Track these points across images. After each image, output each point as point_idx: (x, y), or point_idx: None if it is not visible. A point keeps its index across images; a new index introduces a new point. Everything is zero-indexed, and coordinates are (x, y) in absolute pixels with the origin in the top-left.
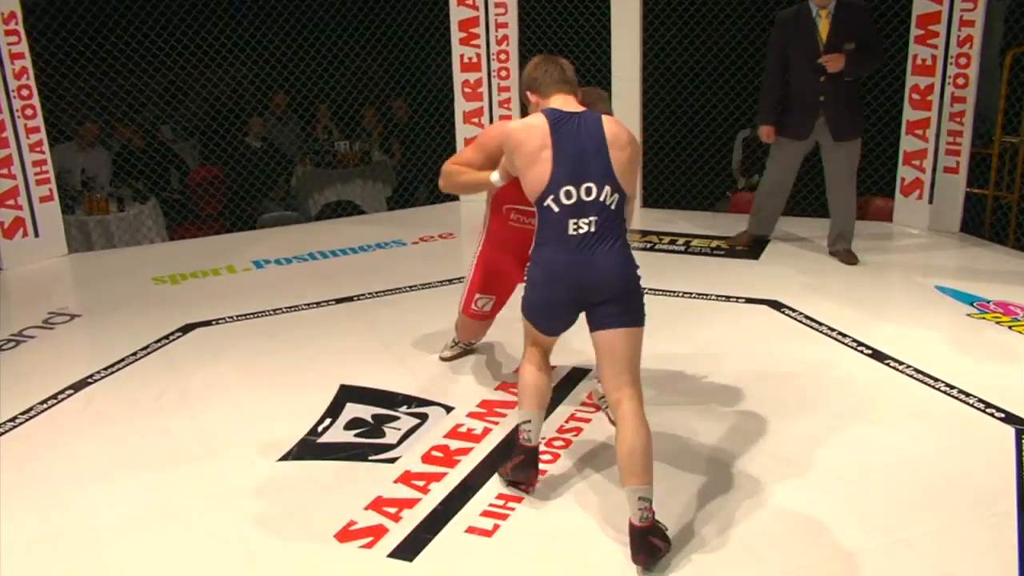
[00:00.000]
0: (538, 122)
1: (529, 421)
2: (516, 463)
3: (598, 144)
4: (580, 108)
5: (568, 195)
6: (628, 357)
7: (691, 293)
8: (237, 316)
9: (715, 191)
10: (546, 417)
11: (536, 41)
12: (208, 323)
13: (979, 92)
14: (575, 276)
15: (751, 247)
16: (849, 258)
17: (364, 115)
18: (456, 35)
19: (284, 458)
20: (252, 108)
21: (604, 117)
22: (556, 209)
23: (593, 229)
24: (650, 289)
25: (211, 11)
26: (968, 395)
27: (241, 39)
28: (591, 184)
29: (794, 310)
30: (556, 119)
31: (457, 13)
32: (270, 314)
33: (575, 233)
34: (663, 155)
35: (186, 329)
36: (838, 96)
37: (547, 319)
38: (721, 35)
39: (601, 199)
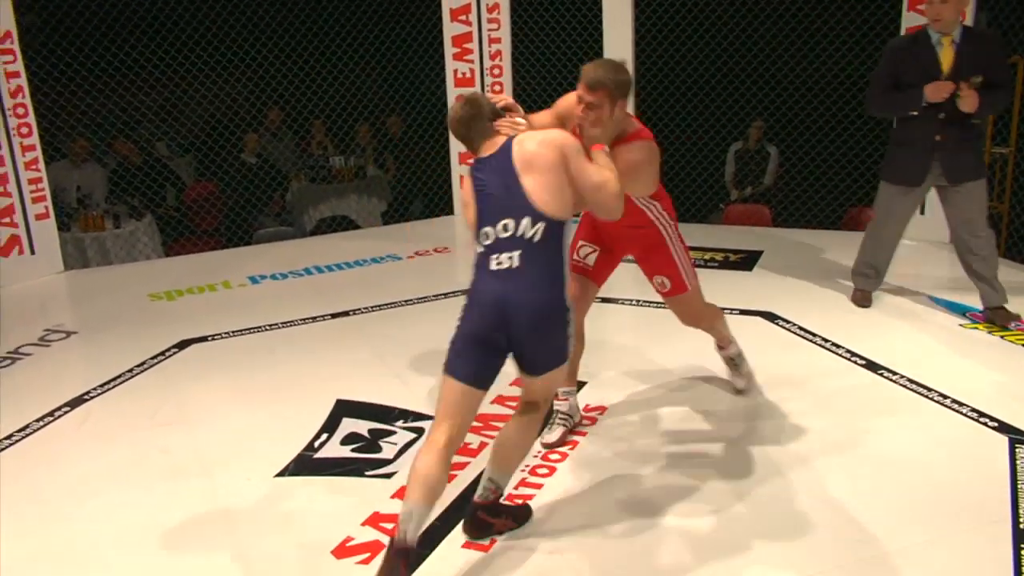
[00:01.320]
0: (465, 182)
1: (410, 513)
2: (384, 561)
3: (508, 180)
4: (495, 147)
5: (486, 236)
6: (544, 394)
7: None
8: (233, 332)
9: (708, 203)
10: (543, 429)
11: (529, 56)
12: (204, 339)
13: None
14: (496, 305)
15: (864, 304)
16: (1006, 319)
17: (358, 131)
18: (449, 50)
19: (281, 474)
20: (247, 124)
21: (515, 143)
22: (480, 249)
23: (517, 264)
24: (644, 302)
25: (207, 28)
26: (962, 404)
27: (236, 56)
28: (508, 220)
29: (788, 321)
30: (472, 171)
31: (451, 28)
32: (266, 330)
33: (497, 268)
34: None
35: (182, 345)
36: (958, 137)
37: (466, 355)
38: (713, 48)
39: (519, 234)
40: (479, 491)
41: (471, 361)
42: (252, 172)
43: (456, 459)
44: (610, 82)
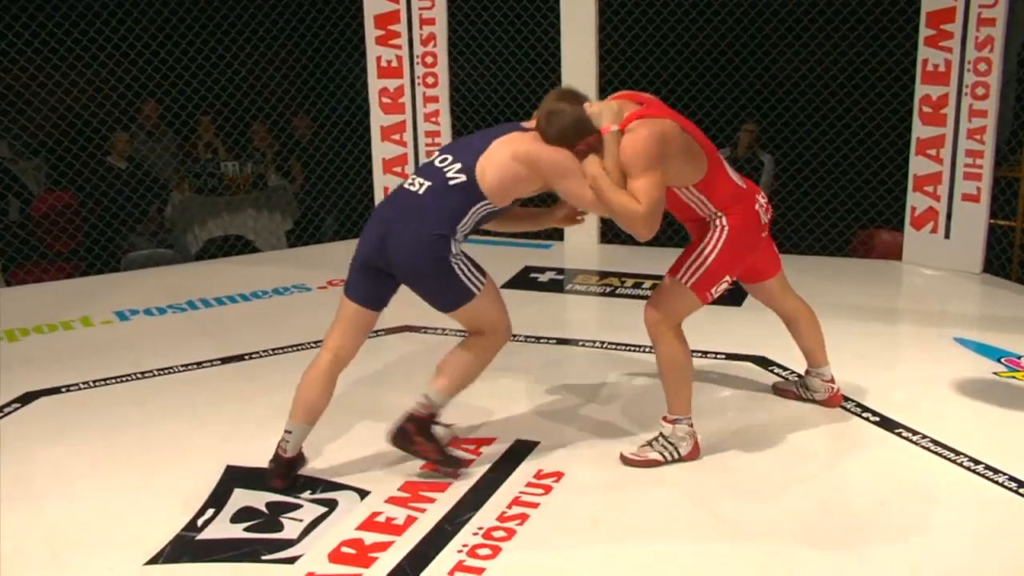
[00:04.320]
0: None
1: (291, 432)
2: (268, 471)
3: (485, 139)
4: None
5: (428, 160)
6: (471, 325)
7: None
8: (94, 381)
9: (682, 226)
10: (484, 501)
11: (470, 41)
12: (56, 391)
13: (1001, 105)
14: (379, 233)
15: None
16: None
17: (257, 130)
18: (372, 33)
19: (153, 561)
20: (115, 120)
21: (520, 133)
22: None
23: (421, 192)
24: (611, 344)
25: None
26: (996, 472)
27: (101, 33)
28: (448, 156)
29: (784, 367)
30: None
31: (372, 6)
32: (137, 378)
33: (407, 187)
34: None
35: (27, 399)
36: None
37: (357, 275)
38: (693, 35)
39: (443, 169)
40: (415, 404)
41: (361, 282)
42: (121, 180)
43: (376, 538)
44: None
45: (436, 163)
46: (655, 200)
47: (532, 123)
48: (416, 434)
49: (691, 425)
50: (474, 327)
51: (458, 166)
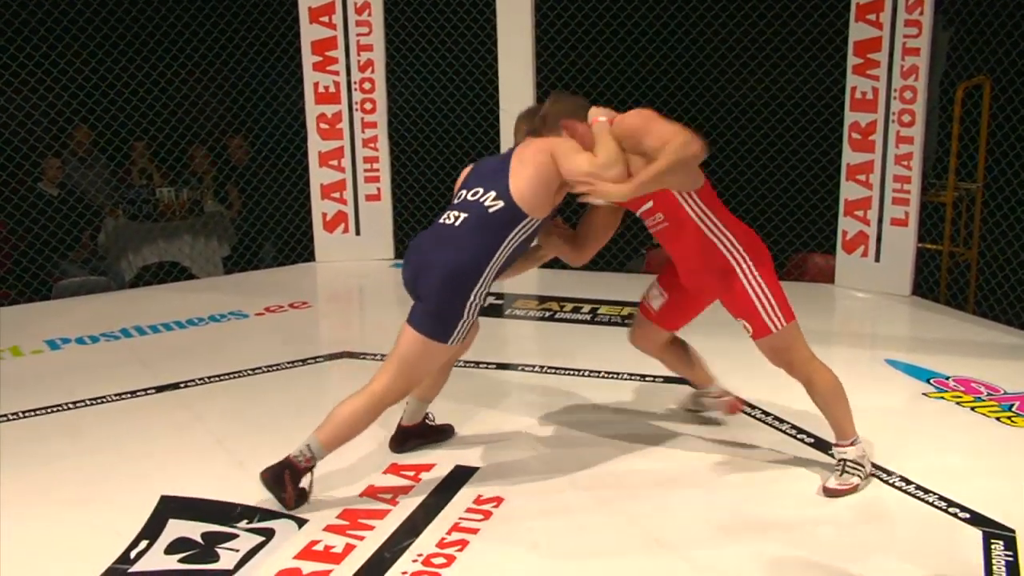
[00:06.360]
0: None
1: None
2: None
3: (503, 162)
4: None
5: (457, 197)
6: (399, 353)
7: (598, 372)
8: (22, 413)
9: (625, 247)
10: (423, 528)
11: (408, 68)
12: None
13: (926, 132)
14: (416, 252)
15: None
16: None
17: (193, 155)
18: (309, 59)
19: None
20: (46, 146)
21: (527, 143)
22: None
23: (458, 224)
24: (550, 368)
25: None
26: (927, 492)
27: (30, 57)
28: (479, 188)
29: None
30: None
31: (309, 32)
32: (68, 409)
33: (443, 222)
34: (561, 206)
35: None
36: None
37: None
38: (626, 59)
39: (479, 200)
40: (295, 451)
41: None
42: (52, 207)
43: (314, 567)
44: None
45: (469, 197)
46: (683, 128)
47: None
48: (289, 482)
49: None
50: (397, 359)
51: (493, 194)
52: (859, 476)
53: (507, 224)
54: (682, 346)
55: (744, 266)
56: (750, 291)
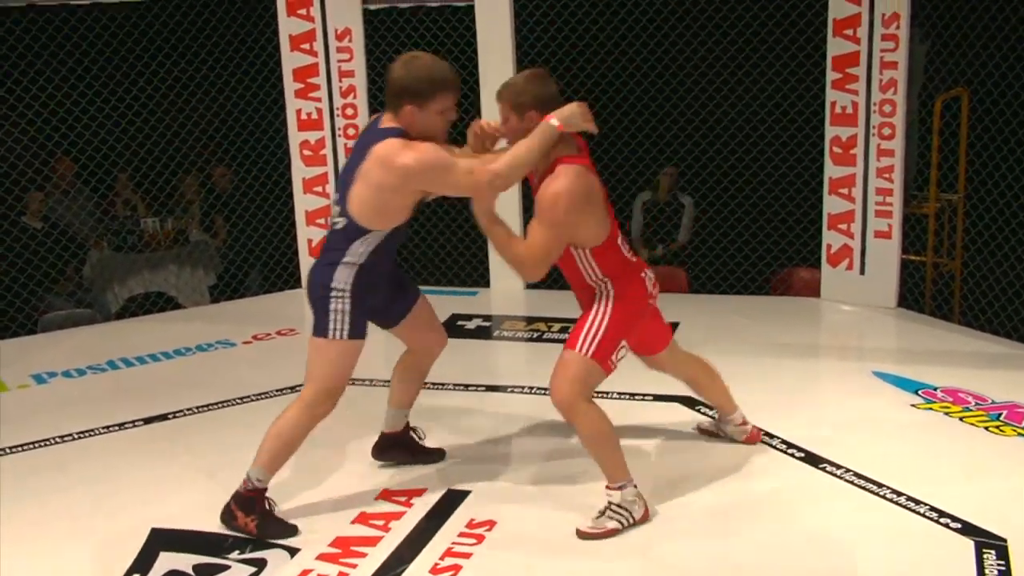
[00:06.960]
0: None
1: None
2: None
3: (354, 164)
4: (384, 124)
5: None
6: (307, 358)
7: None
8: (10, 448)
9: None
10: (416, 553)
11: None
12: None
13: (906, 144)
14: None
15: None
16: None
17: (183, 183)
18: (291, 87)
19: None
20: (28, 180)
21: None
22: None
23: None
24: (540, 389)
25: None
26: (918, 503)
27: (13, 93)
28: (337, 208)
29: (710, 407)
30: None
31: (291, 60)
32: (56, 443)
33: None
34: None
35: None
36: None
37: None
38: (612, 79)
39: (334, 219)
40: (241, 483)
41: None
42: (36, 240)
43: None
44: (508, 94)
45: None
46: (547, 256)
47: (387, 118)
48: (238, 510)
49: (635, 486)
50: (308, 365)
51: (338, 209)
52: (619, 522)
53: (347, 232)
54: (708, 373)
55: (604, 301)
56: (592, 315)
